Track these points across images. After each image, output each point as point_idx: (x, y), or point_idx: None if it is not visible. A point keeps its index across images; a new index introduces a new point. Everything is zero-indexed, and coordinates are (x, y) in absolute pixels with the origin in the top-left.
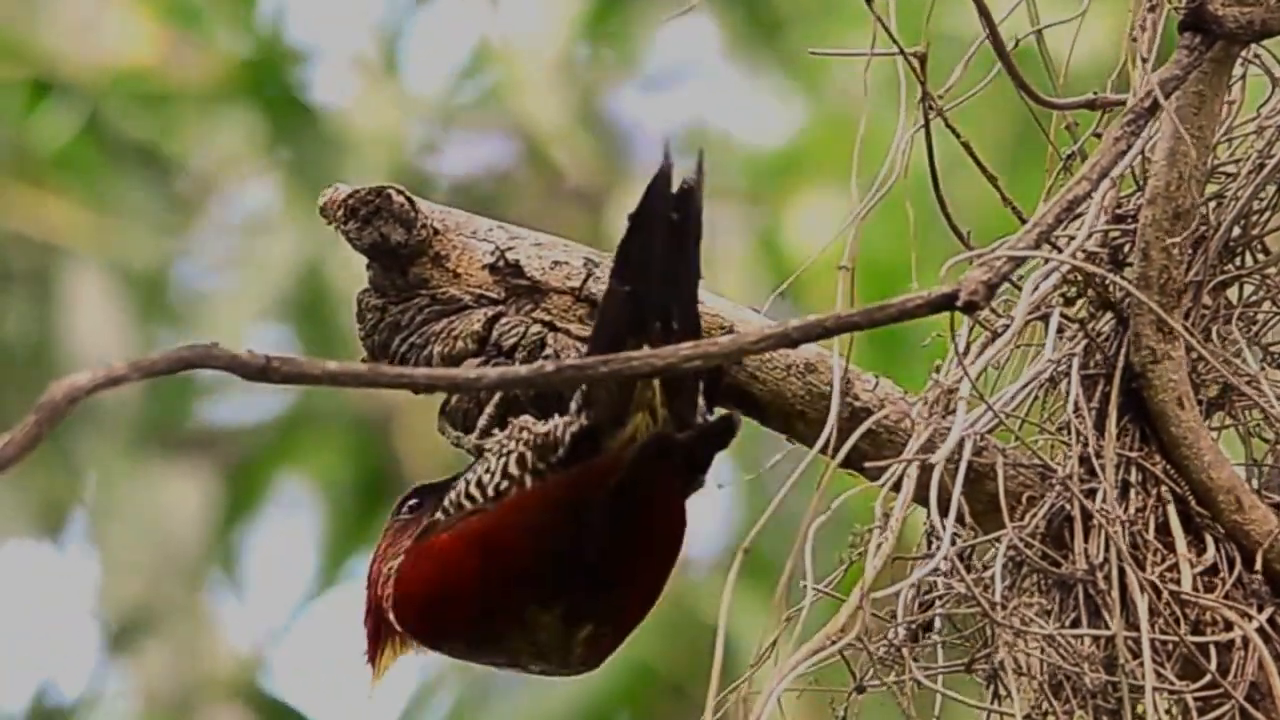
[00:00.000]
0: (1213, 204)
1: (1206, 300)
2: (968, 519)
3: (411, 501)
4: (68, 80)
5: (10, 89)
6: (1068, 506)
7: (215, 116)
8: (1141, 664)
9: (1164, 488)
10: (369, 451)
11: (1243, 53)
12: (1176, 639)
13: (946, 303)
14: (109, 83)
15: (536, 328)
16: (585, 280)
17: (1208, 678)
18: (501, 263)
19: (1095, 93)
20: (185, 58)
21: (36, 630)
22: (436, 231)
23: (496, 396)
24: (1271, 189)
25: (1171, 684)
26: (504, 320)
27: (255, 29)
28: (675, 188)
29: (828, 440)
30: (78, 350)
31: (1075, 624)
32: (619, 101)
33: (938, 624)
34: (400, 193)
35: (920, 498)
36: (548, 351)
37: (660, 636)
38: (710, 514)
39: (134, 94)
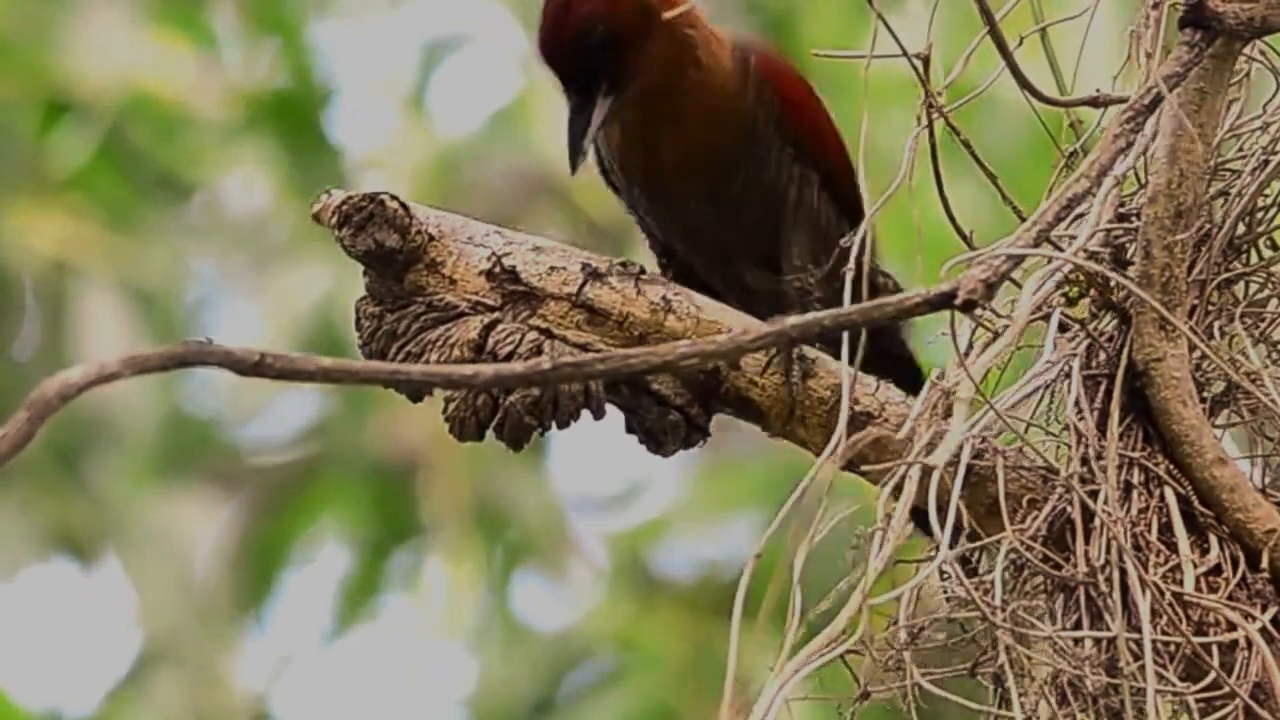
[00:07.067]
0: (1217, 201)
1: (1210, 298)
2: (966, 522)
3: None
4: (85, 101)
5: (28, 109)
6: (1069, 508)
7: (235, 144)
8: (1144, 666)
9: (1167, 488)
10: (390, 497)
11: (1246, 50)
12: (1179, 640)
13: (945, 301)
14: (127, 105)
15: (533, 335)
16: (582, 285)
17: (1211, 678)
18: (498, 268)
19: (1098, 90)
20: (209, 84)
21: (55, 654)
22: (431, 237)
23: None
24: (1277, 185)
25: (1174, 686)
26: (500, 328)
27: (302, 61)
28: None
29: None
30: None
31: (1077, 626)
32: None
33: (940, 628)
34: (394, 198)
35: (921, 501)
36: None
37: (684, 681)
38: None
39: (152, 117)
